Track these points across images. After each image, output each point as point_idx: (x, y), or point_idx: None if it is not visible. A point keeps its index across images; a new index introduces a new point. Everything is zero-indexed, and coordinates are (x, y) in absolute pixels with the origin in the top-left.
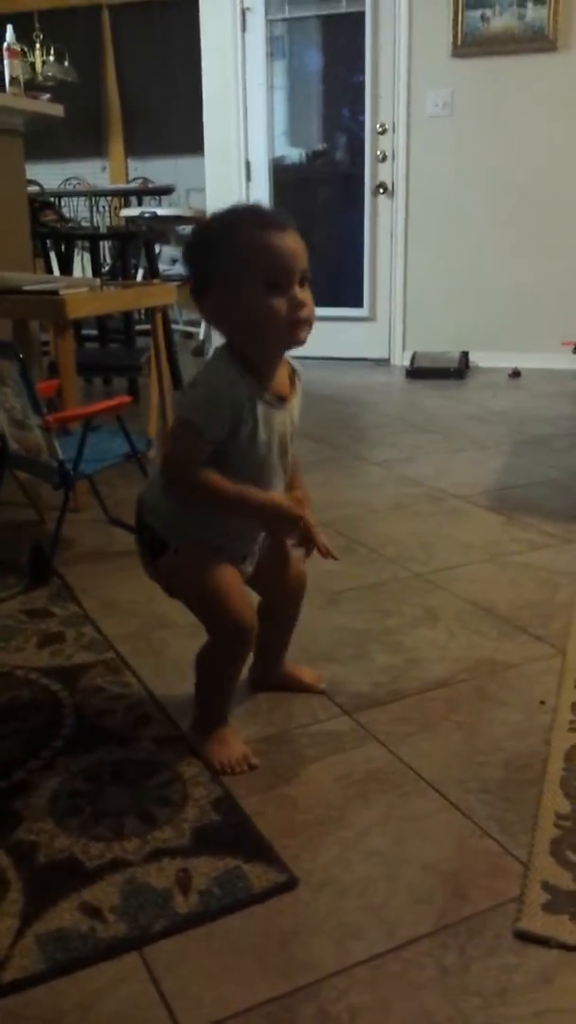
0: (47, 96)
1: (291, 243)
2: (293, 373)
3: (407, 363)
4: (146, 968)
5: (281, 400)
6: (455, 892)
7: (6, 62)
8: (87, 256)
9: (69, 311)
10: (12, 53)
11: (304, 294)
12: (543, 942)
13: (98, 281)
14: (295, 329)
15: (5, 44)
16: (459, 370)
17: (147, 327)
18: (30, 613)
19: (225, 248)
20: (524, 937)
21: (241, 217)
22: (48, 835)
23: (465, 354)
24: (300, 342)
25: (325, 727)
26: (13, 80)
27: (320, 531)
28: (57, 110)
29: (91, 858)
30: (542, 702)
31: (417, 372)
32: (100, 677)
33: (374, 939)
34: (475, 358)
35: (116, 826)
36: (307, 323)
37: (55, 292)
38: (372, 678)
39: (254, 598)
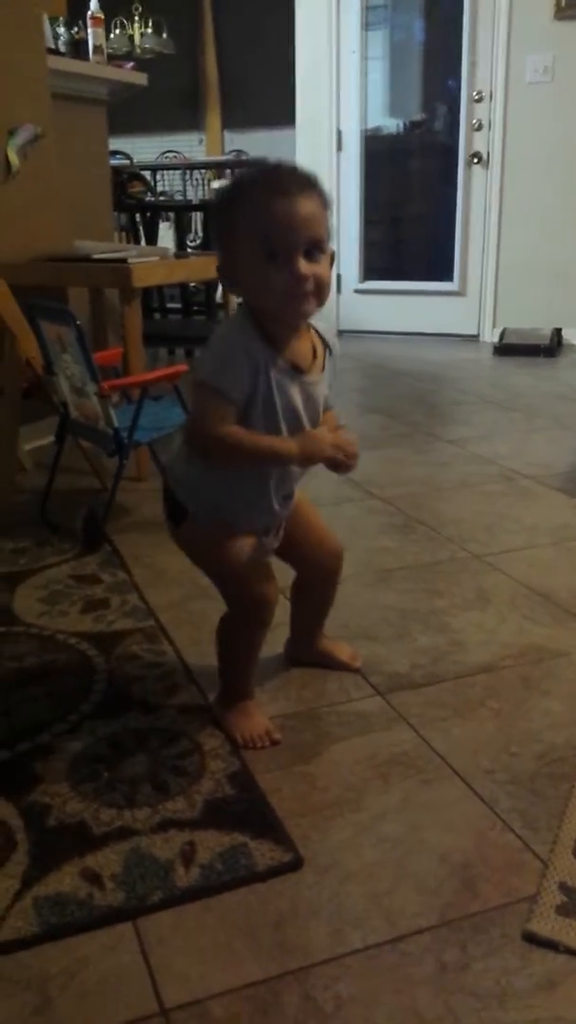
0: (131, 65)
1: (295, 210)
2: (325, 347)
3: (496, 340)
4: (137, 939)
5: (297, 371)
6: (466, 885)
7: (90, 31)
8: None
9: (135, 279)
10: (96, 21)
11: (310, 266)
12: (551, 946)
13: (170, 250)
14: (294, 303)
15: (89, 12)
16: (550, 348)
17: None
18: (79, 578)
19: (229, 211)
20: (532, 939)
21: (251, 178)
22: (62, 799)
23: (558, 331)
24: (301, 316)
25: (355, 707)
26: (96, 49)
27: (348, 443)
28: (140, 79)
29: (100, 824)
30: None
31: (506, 349)
32: (137, 644)
33: (373, 928)
34: (568, 335)
35: (129, 794)
36: (307, 297)
37: (124, 260)
38: (411, 659)
39: (286, 574)
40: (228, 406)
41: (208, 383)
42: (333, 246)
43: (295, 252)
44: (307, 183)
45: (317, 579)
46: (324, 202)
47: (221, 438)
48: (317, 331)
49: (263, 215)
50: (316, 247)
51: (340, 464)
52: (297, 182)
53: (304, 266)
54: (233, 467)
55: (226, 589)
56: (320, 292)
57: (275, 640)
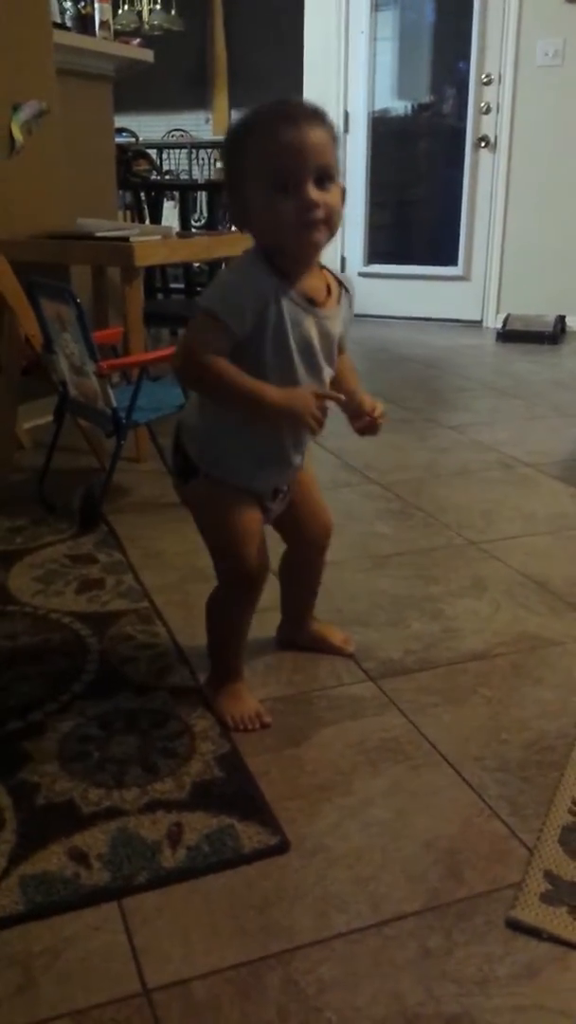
0: (137, 41)
1: (303, 137)
2: (340, 287)
3: (499, 326)
4: (122, 919)
5: (310, 303)
6: (451, 872)
7: (97, 5)
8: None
9: (137, 258)
10: None
11: (320, 193)
12: (535, 934)
13: (173, 229)
14: (305, 232)
15: None
16: (553, 335)
17: None
18: (75, 558)
19: (239, 146)
20: (515, 926)
21: (258, 112)
22: (51, 778)
23: (561, 318)
24: (312, 245)
25: (347, 691)
26: (103, 24)
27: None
28: (147, 55)
29: (88, 804)
30: None
31: (509, 335)
32: (131, 625)
33: (357, 912)
34: (572, 323)
35: (118, 774)
36: (317, 225)
37: (126, 239)
38: (404, 645)
39: (275, 555)
40: (223, 335)
41: (209, 310)
42: (343, 183)
43: (305, 179)
44: (315, 114)
45: (306, 553)
46: (332, 133)
47: (207, 365)
48: (331, 272)
49: (272, 144)
50: (326, 175)
51: (365, 428)
52: (304, 112)
53: (314, 193)
54: (216, 401)
55: (219, 557)
56: (330, 221)
57: (267, 624)
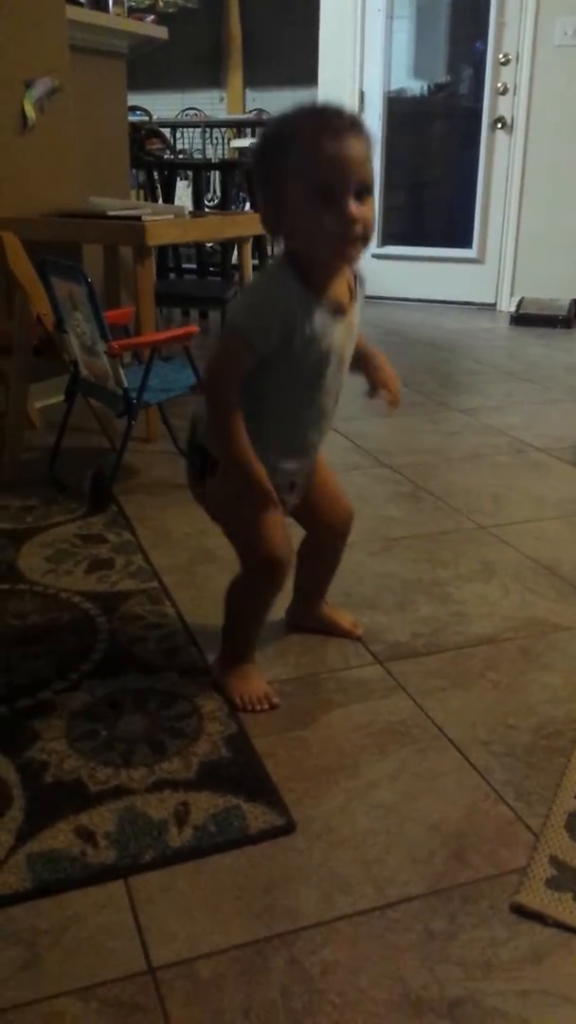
0: (151, 18)
1: (346, 150)
2: (354, 279)
3: (513, 309)
4: (128, 897)
5: (339, 311)
6: (456, 856)
7: None
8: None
9: (149, 237)
10: None
11: (360, 208)
12: (539, 919)
13: (185, 209)
14: (343, 245)
15: None
16: (567, 318)
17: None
18: (85, 538)
19: (277, 151)
20: (520, 911)
21: (300, 118)
22: (60, 756)
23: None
24: (348, 260)
25: (354, 674)
26: (117, 0)
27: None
28: (161, 32)
29: (96, 782)
30: None
31: (523, 319)
32: (140, 605)
33: (362, 894)
34: None
35: (126, 753)
36: (355, 241)
37: (138, 218)
38: (413, 628)
39: (296, 536)
40: (248, 354)
41: (236, 328)
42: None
43: (346, 194)
44: (356, 124)
45: (326, 540)
46: (370, 144)
47: (223, 402)
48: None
49: (316, 156)
50: (365, 189)
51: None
52: (347, 123)
53: (355, 208)
54: (213, 432)
55: (244, 548)
56: (367, 236)
57: (277, 605)
